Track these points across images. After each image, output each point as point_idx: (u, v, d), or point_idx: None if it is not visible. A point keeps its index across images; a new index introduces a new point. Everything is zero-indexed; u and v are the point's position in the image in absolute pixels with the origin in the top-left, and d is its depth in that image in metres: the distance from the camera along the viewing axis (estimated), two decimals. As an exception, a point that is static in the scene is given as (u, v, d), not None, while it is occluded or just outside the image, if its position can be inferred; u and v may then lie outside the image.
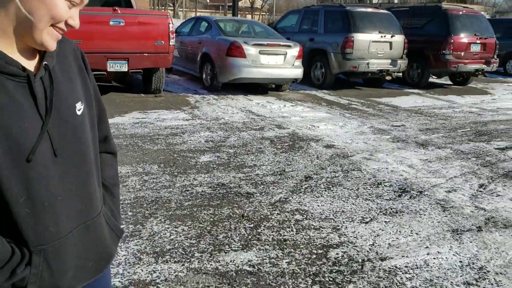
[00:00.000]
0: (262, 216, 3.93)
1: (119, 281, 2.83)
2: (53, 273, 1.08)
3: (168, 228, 3.62)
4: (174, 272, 2.98)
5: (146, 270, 2.99)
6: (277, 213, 3.99)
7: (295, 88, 11.20)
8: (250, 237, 3.54)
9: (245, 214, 3.93)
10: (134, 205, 3.98)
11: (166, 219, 3.77)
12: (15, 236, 1.03)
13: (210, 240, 3.45)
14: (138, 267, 3.01)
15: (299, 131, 7.01)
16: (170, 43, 8.60)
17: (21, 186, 1.01)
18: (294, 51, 9.89)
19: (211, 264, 3.11)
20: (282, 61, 9.75)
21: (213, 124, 7.24)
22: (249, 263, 3.16)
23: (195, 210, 3.99)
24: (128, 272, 2.94)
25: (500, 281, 3.07)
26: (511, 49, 16.50)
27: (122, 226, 1.37)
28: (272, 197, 4.34)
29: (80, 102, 1.15)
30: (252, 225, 3.74)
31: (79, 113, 1.14)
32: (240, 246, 3.38)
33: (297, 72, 9.96)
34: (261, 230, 3.66)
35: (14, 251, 1.02)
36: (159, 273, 2.97)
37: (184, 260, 3.15)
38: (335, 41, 10.91)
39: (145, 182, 4.53)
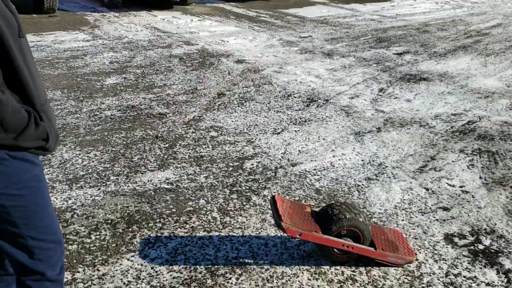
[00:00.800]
0: (176, 135, 3.94)
1: (34, 212, 2.76)
2: (51, 123, 1.49)
3: (79, 154, 3.52)
4: (90, 197, 2.97)
5: (61, 197, 2.94)
6: (192, 132, 4.02)
7: (202, 1, 10.79)
8: (166, 156, 3.57)
9: (159, 135, 3.92)
10: (40, 134, 3.78)
11: (76, 146, 3.65)
12: (26, 101, 1.42)
13: (125, 163, 3.43)
14: (52, 196, 2.94)
15: (208, 47, 6.89)
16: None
17: (20, 55, 1.38)
18: (197, -39, 9.37)
19: (128, 186, 3.13)
20: (186, -27, 9.25)
21: (116, 44, 6.86)
22: (167, 181, 3.21)
23: (106, 134, 3.89)
24: (42, 202, 2.87)
25: (396, 174, 3.43)
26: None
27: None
28: (186, 116, 4.34)
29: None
30: (167, 145, 3.75)
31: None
32: (157, 166, 3.41)
33: (202, -16, 9.53)
34: (177, 149, 3.69)
35: (31, 112, 1.41)
36: (74, 199, 2.93)
37: (99, 184, 3.13)
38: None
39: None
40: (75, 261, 2.39)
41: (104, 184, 3.14)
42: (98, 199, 2.96)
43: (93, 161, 3.43)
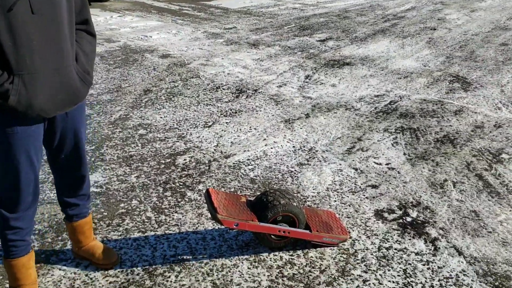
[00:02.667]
0: (103, 136, 3.79)
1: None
2: (28, 92, 1.67)
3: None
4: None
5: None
6: (119, 131, 3.89)
7: (121, -3, 10.45)
8: (93, 159, 3.42)
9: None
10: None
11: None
12: (4, 63, 1.62)
13: (49, 169, 3.25)
14: (-30, 212, 2.73)
15: (131, 43, 6.69)
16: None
17: (5, 25, 1.56)
18: (113, -45, 9.04)
19: (54, 193, 2.96)
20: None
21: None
22: (96, 184, 3.09)
23: (27, 141, 3.66)
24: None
25: (326, 157, 3.53)
26: None
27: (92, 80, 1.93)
28: (112, 116, 4.19)
29: None
30: (93, 147, 3.60)
31: None
32: (84, 170, 3.26)
33: (120, -21, 9.21)
34: (104, 151, 3.56)
35: (3, 73, 1.63)
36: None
37: (23, 194, 2.95)
38: None
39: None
40: (1, 277, 2.24)
41: (28, 193, 2.96)
42: (22, 210, 2.78)
43: (13, 171, 3.22)
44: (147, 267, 2.34)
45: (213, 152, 3.57)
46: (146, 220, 2.72)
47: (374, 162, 3.46)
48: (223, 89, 4.92)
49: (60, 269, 2.31)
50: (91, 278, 2.25)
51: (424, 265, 2.40)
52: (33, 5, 1.62)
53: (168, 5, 9.75)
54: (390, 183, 3.18)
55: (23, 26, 1.61)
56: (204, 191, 3.01)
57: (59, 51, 1.73)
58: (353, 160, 3.48)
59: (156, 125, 4.01)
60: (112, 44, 6.58)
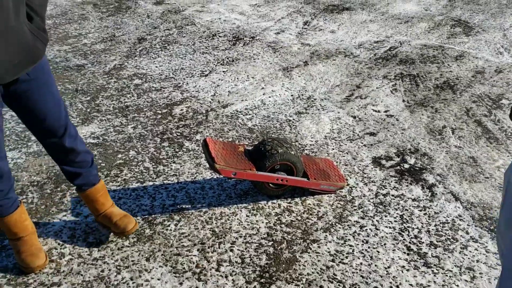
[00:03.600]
0: (98, 87, 3.73)
1: None
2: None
3: (-7, 117, 3.26)
4: (11, 160, 2.78)
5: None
6: (114, 81, 3.82)
7: None
8: (89, 110, 3.39)
9: (79, 88, 3.70)
10: None
11: (-11, 109, 3.37)
12: None
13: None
14: (-33, 165, 2.73)
15: (123, -10, 6.46)
16: None
17: None
18: None
19: (52, 145, 2.95)
20: None
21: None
22: (93, 135, 3.07)
23: (21, 93, 3.61)
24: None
25: (325, 105, 3.49)
26: None
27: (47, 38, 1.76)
28: (106, 66, 4.10)
29: None
30: (89, 98, 3.55)
31: None
32: (80, 121, 3.23)
33: None
34: (100, 101, 3.51)
35: None
36: (-7, 165, 2.74)
37: (20, 146, 2.94)
38: None
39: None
40: (1, 229, 2.26)
41: (25, 145, 2.95)
42: (21, 162, 2.78)
43: (10, 123, 3.19)
44: (146, 216, 2.37)
45: (210, 102, 3.52)
46: (144, 171, 2.72)
47: (372, 109, 3.43)
48: (219, 36, 4.80)
49: (60, 220, 2.33)
50: (91, 228, 2.28)
51: (420, 210, 2.43)
52: None
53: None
54: (388, 130, 3.16)
55: None
56: (201, 141, 3.00)
57: (3, 12, 1.51)
58: (352, 108, 3.44)
59: (151, 75, 3.94)
60: (104, -9, 6.36)
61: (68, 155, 2.00)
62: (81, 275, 2.01)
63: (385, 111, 3.40)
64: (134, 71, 4.01)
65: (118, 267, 2.05)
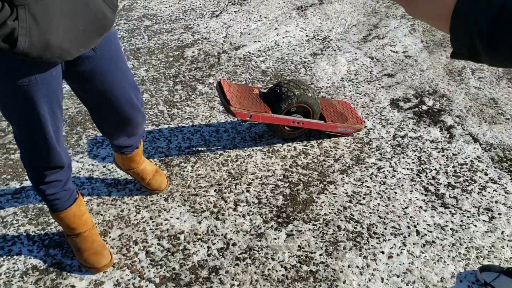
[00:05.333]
0: (108, 28, 3.64)
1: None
2: (40, 27, 1.18)
3: None
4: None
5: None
6: (124, 23, 3.73)
7: None
8: (100, 52, 3.32)
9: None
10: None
11: None
12: None
13: (57, 64, 3.18)
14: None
15: None
16: None
17: None
18: None
19: (65, 87, 2.92)
20: None
21: None
22: (105, 78, 3.03)
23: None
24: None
25: (341, 46, 3.38)
26: None
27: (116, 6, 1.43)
28: (115, 7, 3.99)
29: None
30: (99, 40, 3.48)
31: None
32: (92, 64, 3.18)
33: None
34: (111, 43, 3.43)
35: (4, 6, 1.12)
36: (8, 109, 2.73)
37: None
38: None
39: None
40: (20, 169, 2.28)
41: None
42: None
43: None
44: (163, 158, 2.37)
45: (222, 44, 3.43)
46: (159, 114, 2.70)
47: (390, 50, 3.33)
48: (230, -25, 4.62)
49: (77, 161, 2.34)
50: (109, 169, 2.29)
51: (439, 152, 2.40)
52: None
53: None
54: (406, 72, 3.08)
55: None
56: (216, 84, 2.95)
57: None
58: (369, 49, 3.34)
59: (161, 16, 3.83)
60: None
61: (129, 133, 1.79)
62: (101, 214, 2.04)
63: (403, 52, 3.30)
64: (144, 12, 3.89)
65: (137, 207, 2.07)
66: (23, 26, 1.15)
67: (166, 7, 3.98)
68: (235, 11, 3.90)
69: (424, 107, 2.74)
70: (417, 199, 2.12)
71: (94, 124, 2.58)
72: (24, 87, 1.32)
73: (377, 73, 3.06)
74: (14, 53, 1.19)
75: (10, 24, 1.13)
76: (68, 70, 1.45)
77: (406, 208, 2.08)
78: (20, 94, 1.34)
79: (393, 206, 2.09)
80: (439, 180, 2.23)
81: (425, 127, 2.58)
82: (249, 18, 3.79)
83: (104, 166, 2.31)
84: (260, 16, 3.83)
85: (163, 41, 3.46)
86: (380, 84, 2.95)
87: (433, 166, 2.30)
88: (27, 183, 2.20)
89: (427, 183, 2.21)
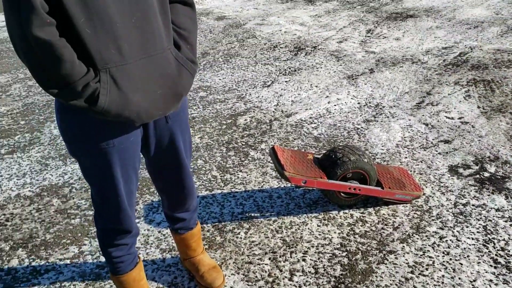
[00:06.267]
0: (165, 98, 3.82)
1: (29, 191, 2.68)
2: (120, 88, 1.28)
3: (68, 129, 3.41)
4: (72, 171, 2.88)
5: (56, 174, 2.86)
6: (180, 93, 3.91)
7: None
8: (157, 121, 3.47)
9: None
10: (25, 113, 3.65)
11: (64, 121, 3.53)
12: (86, 58, 1.23)
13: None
14: (47, 173, 2.86)
15: (186, 7, 6.65)
16: None
17: (80, 7, 1.17)
18: None
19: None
20: None
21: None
22: (162, 145, 3.13)
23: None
24: (37, 180, 2.79)
25: (394, 112, 3.37)
26: None
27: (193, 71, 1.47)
28: (172, 78, 4.21)
29: None
30: (157, 109, 3.64)
31: None
32: (149, 132, 3.31)
33: None
34: (167, 112, 3.59)
35: (89, 69, 1.25)
36: (70, 174, 2.85)
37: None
38: None
39: (30, 87, 4.13)
40: (79, 234, 2.33)
41: (98, 155, 3.05)
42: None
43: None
44: (216, 223, 2.36)
45: (273, 112, 3.50)
46: (212, 179, 2.73)
47: (445, 116, 3.27)
48: (280, 47, 4.80)
49: (133, 226, 2.37)
50: (163, 235, 2.30)
51: (506, 221, 2.25)
52: None
53: (220, -33, 9.60)
54: (464, 138, 2.99)
55: (104, 7, 1.21)
56: (268, 149, 2.97)
57: (151, 35, 1.32)
58: (423, 115, 3.30)
59: (215, 87, 3.99)
60: (168, 9, 6.58)
61: (181, 202, 1.81)
62: (155, 281, 2.02)
63: (459, 118, 3.23)
64: (199, 84, 4.07)
65: (191, 274, 2.04)
66: (105, 87, 1.26)
67: (220, 79, 4.15)
68: (286, 81, 4.01)
69: (486, 174, 2.62)
70: (486, 272, 1.97)
71: (150, 190, 2.64)
72: (102, 150, 1.40)
73: (433, 139, 3.00)
74: (95, 111, 1.28)
75: (93, 85, 1.25)
76: (144, 140, 1.52)
77: (474, 281, 1.93)
78: (98, 157, 1.41)
79: (459, 278, 1.95)
80: (509, 251, 2.07)
81: (488, 195, 2.45)
82: (300, 87, 3.87)
83: (159, 231, 2.33)
84: (311, 85, 3.91)
85: (216, 110, 3.58)
86: (436, 151, 2.87)
87: (501, 236, 2.16)
88: (86, 247, 2.24)
89: (496, 254, 2.06)
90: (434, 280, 1.94)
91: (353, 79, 3.96)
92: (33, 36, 1.14)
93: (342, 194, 2.38)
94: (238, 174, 2.77)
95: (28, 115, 3.63)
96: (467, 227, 2.23)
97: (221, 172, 2.79)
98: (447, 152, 2.85)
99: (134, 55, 1.29)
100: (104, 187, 1.49)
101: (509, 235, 2.17)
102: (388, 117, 3.31)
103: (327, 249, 2.14)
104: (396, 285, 1.93)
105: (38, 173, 2.87)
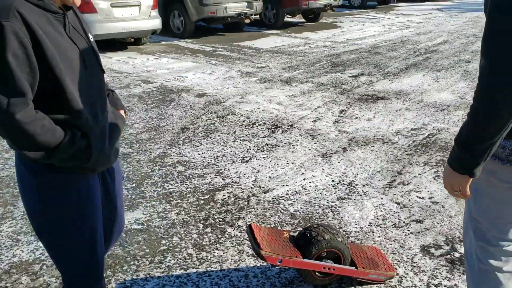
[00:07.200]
0: (143, 174, 3.86)
1: (-2, 268, 2.61)
2: (101, 145, 1.64)
3: (43, 203, 3.38)
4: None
5: (27, 249, 2.80)
6: (158, 169, 3.95)
7: (156, 40, 10.83)
8: (134, 196, 3.48)
9: (125, 175, 3.83)
10: (0, 186, 3.62)
11: (40, 195, 3.50)
12: (74, 125, 1.54)
13: (93, 207, 3.31)
14: (17, 248, 2.79)
15: (167, 83, 6.88)
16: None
17: (73, 85, 1.51)
18: (149, 1, 9.46)
19: (98, 230, 3.01)
20: (137, 13, 9.29)
21: (73, 87, 6.72)
22: (137, 221, 3.12)
23: (70, 179, 3.76)
24: (7, 256, 2.72)
25: (367, 191, 3.47)
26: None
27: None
28: (151, 154, 4.27)
29: (90, 33, 1.69)
30: (134, 185, 3.66)
31: (92, 39, 1.69)
32: (126, 207, 3.31)
33: (155, 23, 9.58)
34: (145, 188, 3.61)
35: (83, 135, 1.57)
36: (42, 249, 2.79)
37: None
38: (190, -13, 10.63)
39: (6, 160, 4.12)
40: (47, 315, 2.25)
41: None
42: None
43: (58, 208, 3.30)
44: (190, 304, 2.32)
45: (251, 187, 3.56)
46: (188, 257, 2.71)
47: (416, 196, 3.38)
48: (258, 125, 4.97)
49: None
50: (135, 316, 2.24)
51: (478, 303, 2.29)
52: (85, 59, 1.59)
53: (201, 47, 10.04)
54: (434, 218, 3.08)
55: (83, 82, 1.56)
56: (245, 227, 2.99)
57: (104, 99, 1.73)
58: (395, 194, 3.40)
59: (194, 162, 4.06)
60: (150, 85, 6.78)
61: (114, 240, 2.04)
62: None
63: (430, 198, 3.35)
64: (178, 159, 4.14)
65: None
66: (95, 145, 1.59)
67: (199, 154, 4.23)
68: (263, 157, 4.12)
69: (457, 254, 2.69)
70: None
71: (123, 268, 2.60)
72: (87, 201, 1.68)
73: (404, 218, 3.08)
74: (84, 165, 1.58)
75: (81, 144, 1.55)
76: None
77: None
78: (81, 204, 1.65)
79: None
80: (482, 334, 2.09)
81: (459, 275, 2.50)
82: (277, 164, 3.98)
83: (131, 312, 2.27)
84: (287, 161, 4.02)
85: (195, 185, 3.62)
86: (409, 230, 2.94)
87: (474, 318, 2.18)
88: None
89: (470, 338, 2.07)
90: None
91: (327, 157, 4.09)
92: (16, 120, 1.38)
93: (317, 273, 2.39)
94: (214, 252, 2.76)
95: (2, 188, 3.59)
96: (440, 308, 2.25)
97: (197, 250, 2.78)
98: (419, 232, 2.92)
99: (102, 117, 1.67)
100: (87, 235, 1.69)
101: (481, 317, 2.19)
102: (361, 195, 3.40)
103: (302, 332, 2.12)
104: None
105: (8, 248, 2.80)
